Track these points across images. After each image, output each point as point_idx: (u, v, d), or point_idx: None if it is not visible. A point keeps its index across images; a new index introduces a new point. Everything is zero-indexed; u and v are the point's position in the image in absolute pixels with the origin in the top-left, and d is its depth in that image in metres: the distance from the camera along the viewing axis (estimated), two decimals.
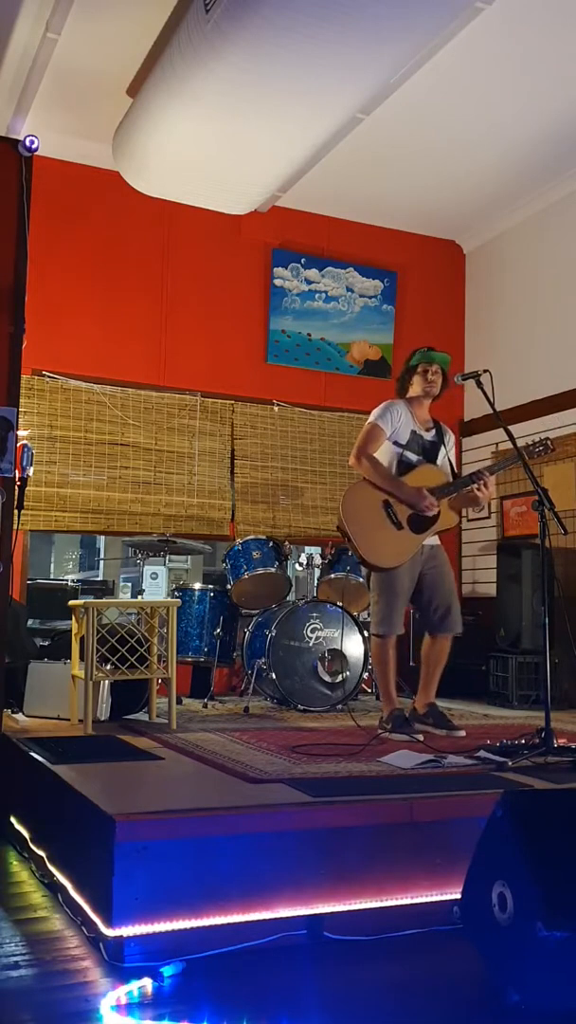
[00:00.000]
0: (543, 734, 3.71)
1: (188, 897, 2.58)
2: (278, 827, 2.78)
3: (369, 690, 6.05)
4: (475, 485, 4.37)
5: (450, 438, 4.69)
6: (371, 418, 4.54)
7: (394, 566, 4.36)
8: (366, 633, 5.58)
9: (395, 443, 4.48)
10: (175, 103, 5.05)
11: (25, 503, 4.15)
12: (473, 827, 2.61)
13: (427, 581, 4.48)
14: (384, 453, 4.50)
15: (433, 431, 4.61)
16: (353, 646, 5.44)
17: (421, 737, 4.18)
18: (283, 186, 6.39)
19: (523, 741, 3.85)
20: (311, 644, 5.38)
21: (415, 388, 4.57)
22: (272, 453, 6.96)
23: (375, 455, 4.47)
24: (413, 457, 4.48)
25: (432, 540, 4.53)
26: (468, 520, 7.27)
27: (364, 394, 7.03)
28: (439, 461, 4.56)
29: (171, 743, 4.04)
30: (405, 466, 4.46)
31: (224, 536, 6.81)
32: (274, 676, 5.29)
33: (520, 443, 4.16)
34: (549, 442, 4.43)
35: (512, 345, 7.17)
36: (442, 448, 4.60)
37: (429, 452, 4.54)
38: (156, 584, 5.17)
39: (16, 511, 4.02)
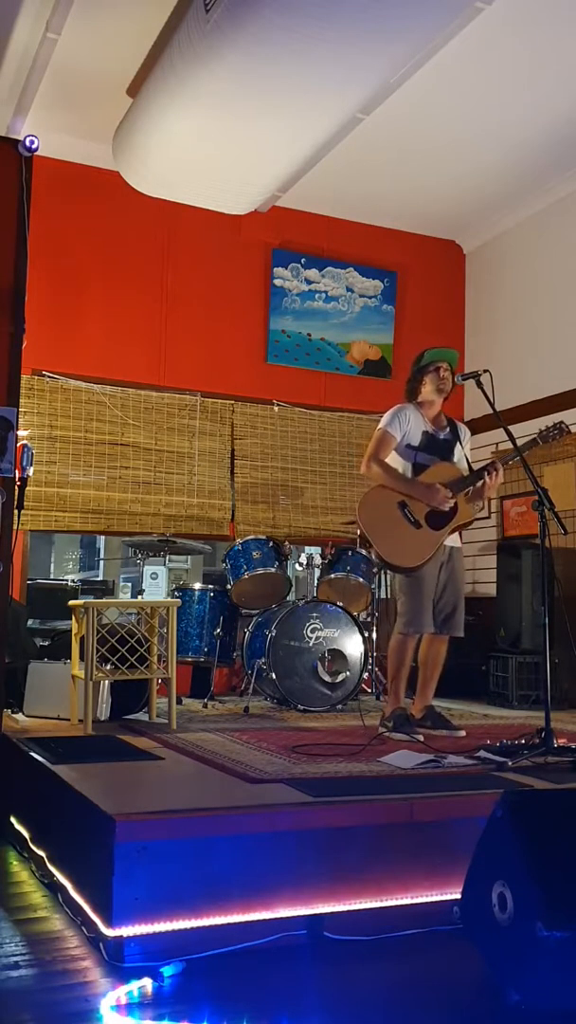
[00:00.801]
0: (543, 734, 3.71)
1: (188, 897, 2.58)
2: (278, 827, 2.78)
3: (369, 690, 6.06)
4: (486, 475, 4.34)
5: (467, 435, 4.68)
6: (380, 424, 4.53)
7: (416, 565, 4.35)
8: (366, 633, 5.58)
9: (408, 446, 4.48)
10: (175, 103, 5.05)
11: (25, 503, 4.15)
12: (473, 827, 2.61)
13: (439, 580, 4.48)
14: (398, 457, 4.49)
15: (448, 429, 4.60)
16: (353, 646, 5.44)
17: (421, 737, 4.18)
18: (283, 186, 6.39)
19: (523, 741, 3.85)
20: (311, 644, 5.37)
21: (427, 387, 4.56)
22: (272, 453, 6.96)
23: (388, 460, 4.47)
24: (428, 458, 4.48)
25: (454, 542, 4.53)
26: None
27: (364, 394, 7.05)
28: (455, 459, 4.54)
29: (171, 743, 4.03)
30: (420, 467, 4.46)
31: (224, 536, 6.81)
32: (274, 676, 5.29)
33: (533, 430, 4.15)
34: (564, 425, 4.35)
35: (512, 345, 7.17)
36: (458, 445, 4.58)
37: (444, 451, 4.53)
38: (156, 584, 5.16)
39: (16, 511, 4.02)
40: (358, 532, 4.59)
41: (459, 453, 4.57)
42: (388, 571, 4.56)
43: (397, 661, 4.50)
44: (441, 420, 4.61)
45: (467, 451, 4.62)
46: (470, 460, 4.61)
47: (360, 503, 4.48)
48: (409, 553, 4.34)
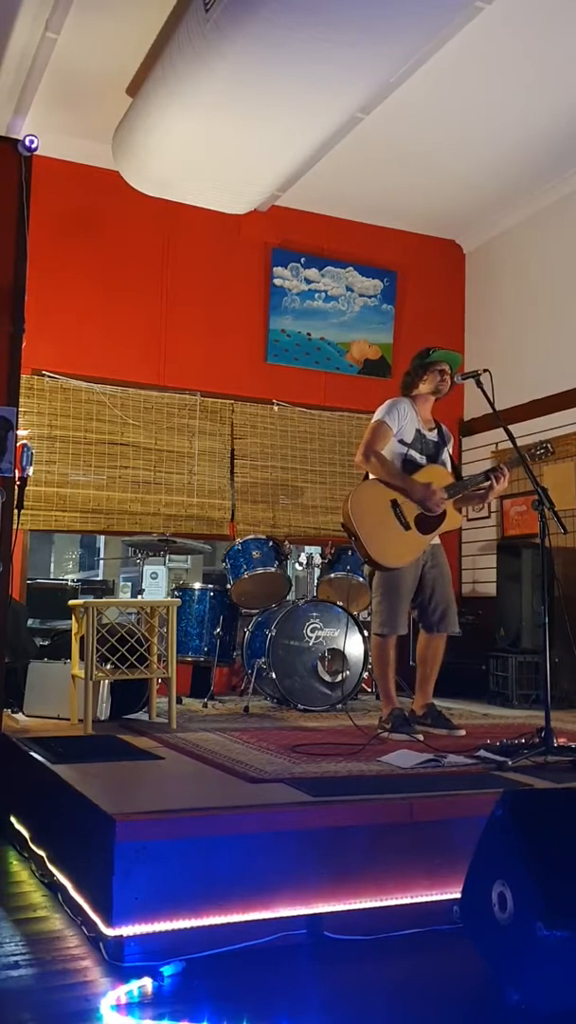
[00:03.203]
0: (543, 734, 3.72)
1: (188, 897, 2.58)
2: (278, 827, 2.78)
3: (369, 690, 6.05)
4: (493, 479, 4.34)
5: (450, 439, 4.70)
6: (377, 415, 4.52)
7: (400, 566, 4.36)
8: (366, 633, 5.58)
9: (400, 441, 4.47)
10: (175, 103, 5.05)
11: (25, 503, 4.16)
12: (473, 827, 2.61)
13: (427, 580, 4.48)
14: (388, 452, 4.49)
15: (435, 431, 4.61)
16: (353, 646, 5.44)
17: (421, 737, 4.18)
18: (283, 186, 6.39)
19: (523, 741, 3.85)
20: (311, 644, 5.38)
21: (427, 385, 4.55)
22: (272, 453, 6.96)
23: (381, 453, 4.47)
24: (418, 456, 4.48)
25: (434, 539, 4.53)
26: (468, 520, 7.27)
27: (364, 394, 7.04)
28: (440, 460, 4.56)
29: (171, 743, 4.04)
30: (411, 466, 4.45)
31: (224, 536, 6.81)
32: (274, 676, 5.29)
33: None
34: (549, 446, 4.41)
35: (512, 345, 7.17)
36: (444, 449, 4.60)
37: (432, 451, 4.54)
38: (156, 584, 5.17)
39: (16, 511, 4.03)
40: (341, 525, 4.55)
41: (444, 456, 4.58)
42: (367, 567, 4.55)
43: (381, 663, 4.50)
44: (431, 421, 4.62)
45: (447, 455, 4.63)
46: (453, 464, 4.64)
47: (351, 497, 4.43)
48: (393, 553, 4.34)
